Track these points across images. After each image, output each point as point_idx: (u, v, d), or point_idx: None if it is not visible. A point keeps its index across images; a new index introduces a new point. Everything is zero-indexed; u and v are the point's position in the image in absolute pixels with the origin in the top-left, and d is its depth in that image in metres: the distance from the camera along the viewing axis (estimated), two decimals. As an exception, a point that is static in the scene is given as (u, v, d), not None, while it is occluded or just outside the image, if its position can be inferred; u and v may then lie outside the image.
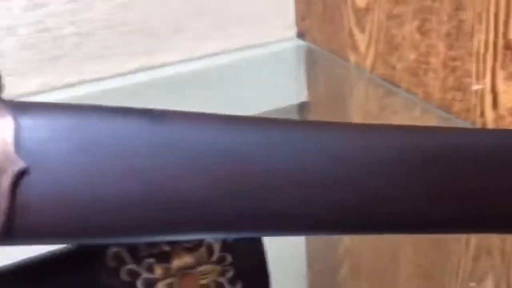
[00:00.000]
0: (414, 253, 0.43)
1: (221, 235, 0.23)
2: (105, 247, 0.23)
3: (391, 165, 0.21)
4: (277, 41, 0.66)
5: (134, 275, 0.24)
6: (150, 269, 0.24)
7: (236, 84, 0.61)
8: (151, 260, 0.24)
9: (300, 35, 0.66)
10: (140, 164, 0.19)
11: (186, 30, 0.62)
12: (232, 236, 0.23)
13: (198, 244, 0.24)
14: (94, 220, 0.19)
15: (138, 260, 0.24)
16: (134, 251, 0.24)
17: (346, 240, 0.44)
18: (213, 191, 0.20)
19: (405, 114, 0.53)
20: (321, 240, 0.42)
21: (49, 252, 0.23)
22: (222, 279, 0.25)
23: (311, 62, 0.69)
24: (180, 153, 0.20)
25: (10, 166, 0.18)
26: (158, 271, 0.24)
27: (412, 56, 0.51)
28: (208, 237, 0.23)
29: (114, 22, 0.58)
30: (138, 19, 0.59)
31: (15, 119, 0.19)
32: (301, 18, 0.66)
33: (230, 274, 0.25)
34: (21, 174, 0.18)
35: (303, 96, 0.64)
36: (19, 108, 0.19)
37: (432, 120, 0.50)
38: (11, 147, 0.18)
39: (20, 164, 0.18)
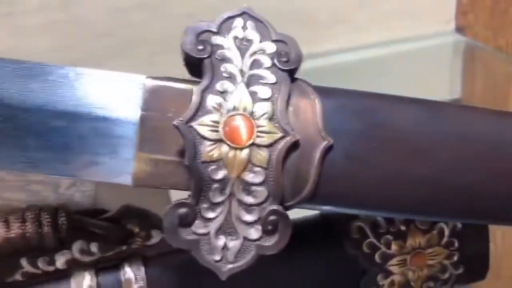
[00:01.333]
0: None
1: (482, 222, 0.24)
2: (350, 220, 0.26)
3: None
4: (435, 35, 0.66)
5: (374, 248, 0.26)
6: (387, 245, 0.26)
7: (389, 76, 0.61)
8: (389, 236, 0.26)
9: (459, 29, 0.65)
10: (426, 147, 0.21)
11: (347, 21, 0.63)
12: (496, 224, 0.24)
13: (431, 227, 0.26)
14: (380, 195, 0.21)
15: (378, 235, 0.26)
16: (375, 227, 0.26)
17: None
18: (492, 181, 0.21)
19: None
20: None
21: (300, 218, 0.26)
22: (447, 262, 0.26)
23: (470, 58, 0.67)
24: (462, 142, 0.21)
25: (321, 142, 0.21)
26: (394, 247, 0.26)
27: None
28: (466, 222, 0.25)
29: (282, 11, 0.60)
30: (304, 9, 0.61)
31: (321, 101, 0.21)
32: (462, 12, 0.64)
33: (454, 258, 0.26)
34: (329, 149, 0.21)
35: (456, 93, 0.63)
36: (322, 92, 0.22)
37: None
38: (321, 126, 0.21)
39: (328, 140, 0.21)
